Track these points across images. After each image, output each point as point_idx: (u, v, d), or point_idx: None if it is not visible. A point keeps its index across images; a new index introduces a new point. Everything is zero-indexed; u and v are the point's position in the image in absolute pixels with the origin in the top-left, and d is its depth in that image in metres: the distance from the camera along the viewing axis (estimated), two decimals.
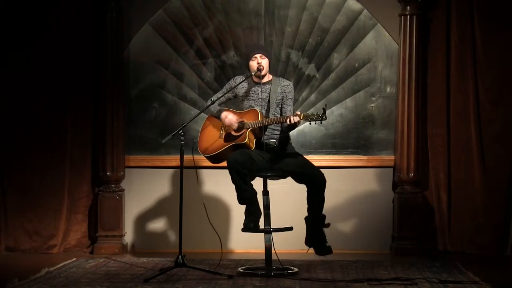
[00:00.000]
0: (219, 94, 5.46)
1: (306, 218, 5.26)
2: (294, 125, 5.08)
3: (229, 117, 5.29)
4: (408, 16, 6.14)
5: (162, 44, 6.39)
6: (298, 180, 5.21)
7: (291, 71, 6.38)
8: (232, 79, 5.49)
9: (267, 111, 5.31)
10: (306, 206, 5.21)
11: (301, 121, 5.04)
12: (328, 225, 5.23)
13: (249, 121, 5.22)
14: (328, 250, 5.21)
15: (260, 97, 5.30)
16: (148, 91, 6.43)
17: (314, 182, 5.14)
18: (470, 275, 5.15)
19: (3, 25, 6.23)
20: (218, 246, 6.20)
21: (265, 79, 5.36)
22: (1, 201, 6.27)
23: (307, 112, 5.02)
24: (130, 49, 6.39)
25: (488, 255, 6.08)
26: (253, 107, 5.31)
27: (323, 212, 5.21)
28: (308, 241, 5.27)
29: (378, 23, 6.32)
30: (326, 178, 5.23)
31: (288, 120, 5.03)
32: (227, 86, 5.47)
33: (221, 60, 6.41)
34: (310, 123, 5.04)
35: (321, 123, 5.02)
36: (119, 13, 6.26)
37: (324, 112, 4.93)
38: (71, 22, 6.25)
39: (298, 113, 5.01)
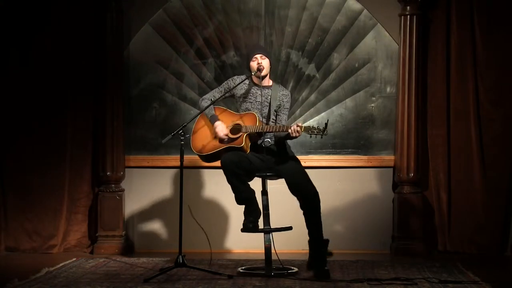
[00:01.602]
0: (216, 94, 5.38)
1: (308, 242, 5.19)
2: (296, 136, 5.04)
3: (220, 129, 5.20)
4: (408, 16, 6.14)
5: (162, 44, 6.39)
6: (290, 190, 5.15)
7: (291, 71, 6.38)
8: (230, 79, 5.44)
9: (267, 116, 5.28)
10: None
11: (302, 133, 5.00)
12: (330, 254, 5.17)
13: (246, 124, 5.21)
14: (326, 274, 5.03)
15: (259, 100, 5.27)
16: (148, 91, 6.43)
17: (306, 200, 5.08)
18: (470, 275, 5.15)
19: (3, 25, 6.23)
20: (219, 246, 6.23)
21: (266, 83, 5.32)
22: (1, 201, 6.27)
23: (309, 125, 4.98)
24: (130, 49, 6.39)
25: (488, 255, 6.08)
26: (248, 109, 5.28)
27: (326, 237, 5.14)
28: (309, 265, 5.18)
29: (378, 23, 6.32)
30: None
31: (288, 130, 4.99)
32: (225, 85, 5.40)
33: (221, 60, 6.41)
34: (311, 136, 4.98)
35: (321, 137, 4.98)
36: (119, 13, 6.26)
37: (326, 127, 4.89)
38: (71, 22, 6.25)
39: (300, 124, 4.96)
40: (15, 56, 6.24)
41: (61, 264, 5.57)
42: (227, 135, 5.20)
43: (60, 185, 6.27)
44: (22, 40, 6.24)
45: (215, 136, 5.24)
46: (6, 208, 6.27)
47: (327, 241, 5.15)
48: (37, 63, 6.24)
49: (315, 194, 5.09)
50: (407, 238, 6.18)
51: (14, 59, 6.24)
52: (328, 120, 5.08)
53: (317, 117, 6.35)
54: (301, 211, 5.19)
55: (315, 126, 4.94)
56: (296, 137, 5.02)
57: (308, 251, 5.24)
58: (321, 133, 4.90)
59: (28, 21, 6.24)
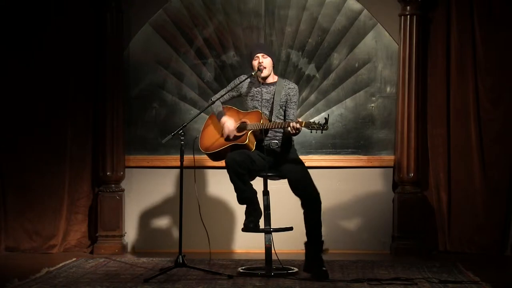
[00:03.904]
0: (222, 92, 5.41)
1: (305, 244, 5.20)
2: (295, 133, 5.05)
3: (227, 125, 5.23)
4: (408, 16, 6.14)
5: (162, 44, 6.40)
6: (292, 190, 5.17)
7: (291, 71, 6.38)
8: (237, 78, 5.44)
9: (271, 112, 5.28)
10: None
11: (303, 128, 5.00)
12: (326, 250, 5.18)
13: (251, 122, 5.21)
14: (325, 275, 5.02)
15: (264, 98, 5.27)
16: (148, 91, 6.43)
17: (307, 199, 5.09)
18: (470, 275, 5.15)
19: (3, 25, 6.23)
20: (219, 246, 6.22)
21: (270, 80, 5.31)
22: (1, 201, 6.27)
23: (309, 120, 4.99)
24: (130, 49, 6.39)
25: (488, 255, 6.09)
26: (256, 107, 5.28)
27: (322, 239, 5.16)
28: (306, 267, 5.14)
29: (378, 23, 6.32)
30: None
31: (288, 126, 5.00)
32: (231, 84, 5.43)
33: (221, 60, 6.41)
34: (311, 132, 4.99)
35: (321, 132, 4.98)
36: (119, 13, 6.26)
37: (326, 122, 4.88)
38: (71, 22, 6.25)
39: (300, 120, 4.97)
40: (15, 56, 6.24)
41: (61, 264, 5.57)
42: (233, 133, 5.21)
43: (60, 185, 6.28)
44: (22, 40, 6.24)
45: (222, 133, 5.25)
46: (6, 208, 6.27)
47: (322, 242, 5.16)
48: (37, 63, 6.25)
49: (317, 196, 5.09)
50: (407, 238, 6.18)
51: (14, 59, 6.24)
52: (328, 115, 5.07)
53: (317, 117, 6.35)
54: (302, 211, 5.19)
55: (316, 121, 4.94)
56: (295, 134, 5.03)
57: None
58: (322, 128, 4.90)
59: (28, 21, 6.24)
